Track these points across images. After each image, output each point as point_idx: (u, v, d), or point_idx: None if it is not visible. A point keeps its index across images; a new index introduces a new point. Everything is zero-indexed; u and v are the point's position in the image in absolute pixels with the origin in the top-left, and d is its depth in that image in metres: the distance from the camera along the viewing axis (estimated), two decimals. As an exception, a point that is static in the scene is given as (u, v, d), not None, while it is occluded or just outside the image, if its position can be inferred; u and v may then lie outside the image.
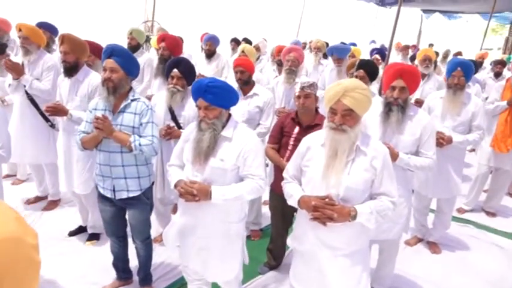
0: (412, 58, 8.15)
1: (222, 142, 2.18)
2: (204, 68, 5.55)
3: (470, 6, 13.07)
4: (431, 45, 16.83)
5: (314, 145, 2.14)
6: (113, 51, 2.48)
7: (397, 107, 2.66)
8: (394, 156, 2.61)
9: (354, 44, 9.65)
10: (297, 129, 3.00)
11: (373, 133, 2.76)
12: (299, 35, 11.21)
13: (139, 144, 2.44)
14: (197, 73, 5.49)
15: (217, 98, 2.12)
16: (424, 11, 15.77)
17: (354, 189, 2.00)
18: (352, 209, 1.96)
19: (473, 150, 7.19)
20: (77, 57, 3.10)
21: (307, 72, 6.14)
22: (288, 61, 4.05)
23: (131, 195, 2.59)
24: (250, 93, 3.53)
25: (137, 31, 4.81)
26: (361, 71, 3.47)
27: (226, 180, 2.17)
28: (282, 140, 3.06)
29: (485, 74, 7.61)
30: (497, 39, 21.53)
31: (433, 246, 3.86)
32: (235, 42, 7.58)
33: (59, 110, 3.03)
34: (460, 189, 3.65)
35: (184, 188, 2.12)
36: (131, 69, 2.56)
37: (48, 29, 4.88)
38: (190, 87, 3.26)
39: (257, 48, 6.25)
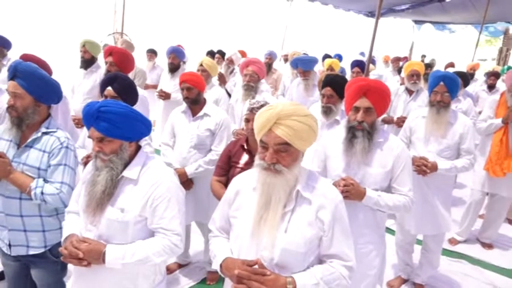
0: (400, 70, 7.69)
1: (125, 185, 1.65)
2: (166, 84, 5.05)
3: (462, 16, 12.74)
4: (423, 56, 16.51)
5: (244, 189, 1.61)
6: (17, 71, 1.93)
7: (362, 132, 2.14)
8: (360, 194, 2.09)
9: (339, 56, 9.21)
10: (245, 158, 2.48)
11: (336, 165, 2.25)
12: (284, 46, 10.80)
13: (42, 193, 1.90)
14: (159, 89, 5.03)
15: (115, 127, 1.59)
16: (416, 22, 15.46)
17: (293, 252, 1.46)
18: (289, 280, 1.42)
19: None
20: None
21: (284, 87, 5.67)
22: (245, 76, 3.55)
23: (32, 252, 2.04)
24: (200, 113, 3.01)
25: (90, 43, 4.31)
26: (328, 88, 2.97)
27: (129, 237, 1.63)
28: (230, 171, 2.53)
29: (477, 86, 7.15)
30: (491, 49, 21.25)
31: (420, 290, 3.31)
32: (211, 55, 7.11)
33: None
34: (449, 225, 3.11)
35: (68, 249, 1.58)
36: (42, 94, 1.99)
37: (-1, 42, 4.40)
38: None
39: (230, 61, 5.77)
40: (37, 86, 1.95)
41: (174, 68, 5.05)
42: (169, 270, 3.26)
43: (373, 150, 2.16)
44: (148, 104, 3.54)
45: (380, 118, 4.63)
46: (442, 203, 3.04)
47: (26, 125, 1.96)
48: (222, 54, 6.71)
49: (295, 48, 10.89)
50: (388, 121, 4.50)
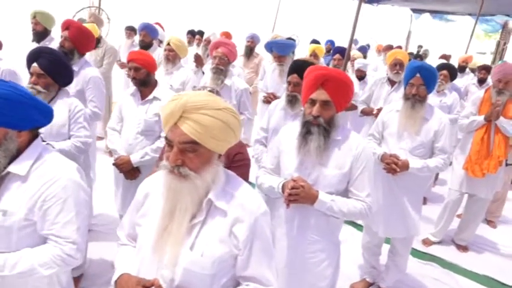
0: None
1: (11, 183, 1.38)
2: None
3: (461, 6, 12.36)
4: (420, 46, 16.16)
5: (154, 192, 1.35)
6: None
7: (317, 128, 1.87)
8: (311, 197, 1.84)
9: (331, 42, 8.88)
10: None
11: (288, 162, 1.99)
12: (275, 29, 10.41)
13: None
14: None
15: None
16: (414, 11, 15.05)
17: (197, 274, 1.21)
18: None
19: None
20: None
21: (264, 72, 5.36)
22: (214, 58, 3.25)
23: None
24: (150, 96, 2.72)
25: (41, 14, 3.94)
26: (295, 75, 2.68)
27: (12, 244, 1.37)
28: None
29: (469, 79, 6.87)
30: (491, 43, 20.87)
31: (385, 295, 3.11)
32: (192, 35, 6.77)
33: None
34: (418, 228, 2.89)
35: None
36: None
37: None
38: (62, 89, 2.51)
39: (208, 42, 5.44)
40: None
41: (145, 46, 4.71)
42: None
43: (329, 149, 1.90)
44: (103, 86, 3.23)
45: (358, 110, 4.38)
46: (412, 205, 2.82)
47: None
48: (202, 34, 6.37)
49: (287, 32, 10.49)
50: (367, 112, 4.24)
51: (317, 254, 1.98)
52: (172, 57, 3.88)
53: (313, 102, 1.88)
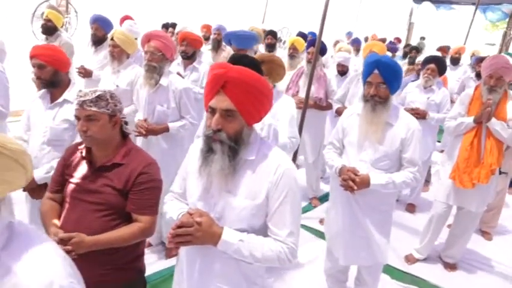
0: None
1: None
2: (88, 59, 4.29)
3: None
4: (422, 38, 15.50)
5: None
6: None
7: (220, 145, 1.40)
8: (212, 237, 1.39)
9: (313, 34, 8.27)
10: (84, 169, 1.77)
11: (193, 188, 1.55)
12: (265, 21, 9.91)
13: None
14: (79, 65, 4.28)
15: None
16: (415, 1, 14.39)
17: None
18: None
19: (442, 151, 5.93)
20: None
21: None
22: (146, 53, 2.78)
23: None
24: (59, 99, 2.29)
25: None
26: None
27: None
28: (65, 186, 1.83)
29: (466, 73, 6.32)
30: (499, 33, 20.09)
31: (351, 329, 2.65)
32: (166, 28, 6.31)
33: None
34: (387, 255, 2.42)
35: None
36: None
37: None
38: None
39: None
40: None
41: (97, 41, 4.27)
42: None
43: (239, 173, 1.43)
44: (6, 81, 2.78)
45: (334, 109, 3.90)
46: (376, 227, 2.35)
47: None
48: (175, 27, 5.90)
49: (278, 24, 9.97)
50: (340, 112, 3.74)
51: None
52: (118, 53, 3.44)
53: (212, 111, 1.41)
